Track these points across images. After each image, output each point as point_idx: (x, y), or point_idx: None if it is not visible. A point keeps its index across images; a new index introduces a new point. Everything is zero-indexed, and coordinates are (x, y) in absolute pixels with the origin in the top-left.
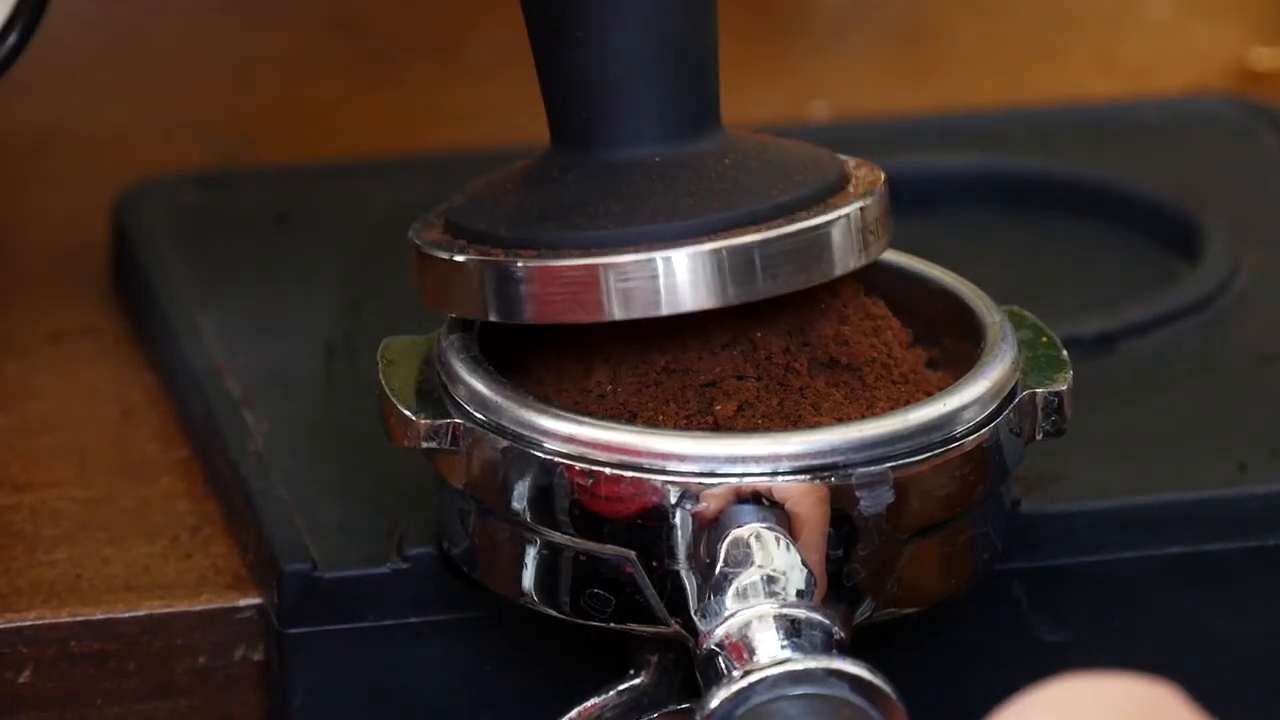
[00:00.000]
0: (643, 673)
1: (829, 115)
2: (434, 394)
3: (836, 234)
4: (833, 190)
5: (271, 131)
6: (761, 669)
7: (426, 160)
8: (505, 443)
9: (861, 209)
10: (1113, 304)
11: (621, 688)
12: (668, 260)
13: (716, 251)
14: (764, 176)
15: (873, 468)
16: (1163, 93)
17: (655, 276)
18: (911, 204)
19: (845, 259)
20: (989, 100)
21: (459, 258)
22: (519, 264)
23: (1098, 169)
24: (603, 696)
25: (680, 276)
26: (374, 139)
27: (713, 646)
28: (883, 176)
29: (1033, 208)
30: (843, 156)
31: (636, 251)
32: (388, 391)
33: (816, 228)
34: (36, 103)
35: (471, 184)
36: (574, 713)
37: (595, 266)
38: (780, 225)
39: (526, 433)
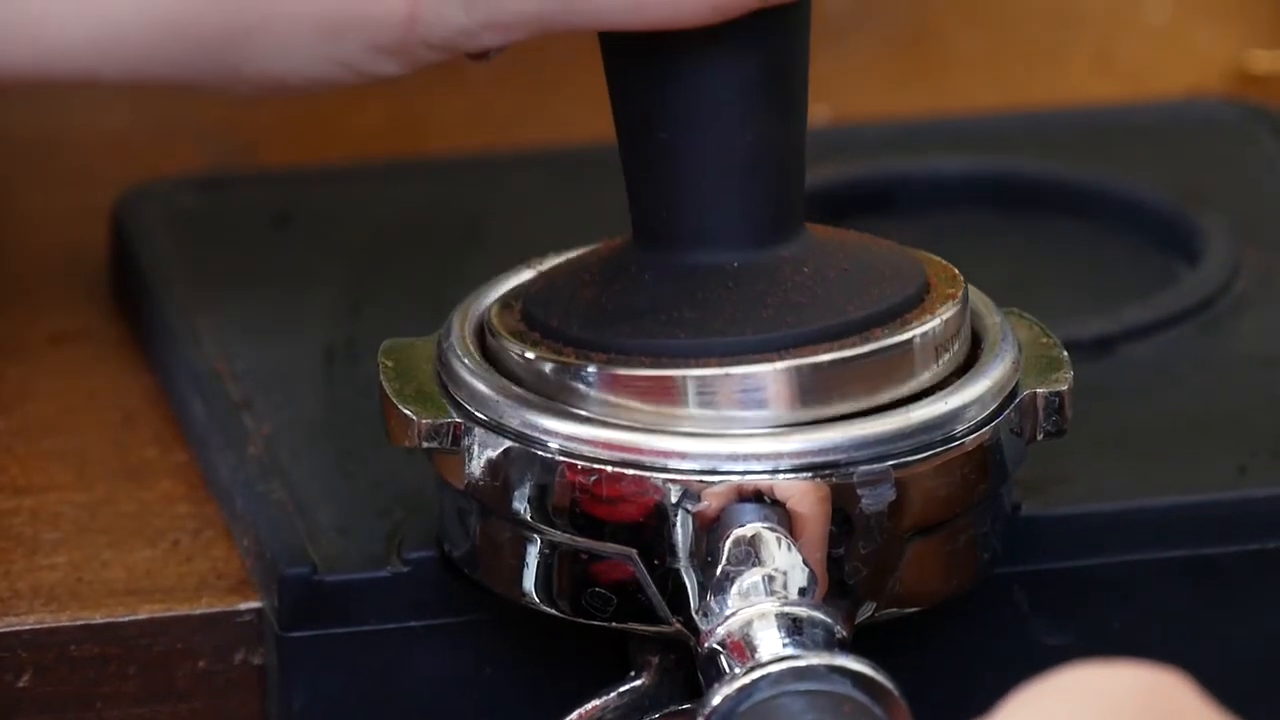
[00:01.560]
0: (644, 674)
1: (829, 118)
2: (434, 394)
3: (911, 353)
4: (910, 304)
5: (272, 134)
6: (764, 665)
7: (427, 164)
8: (506, 442)
9: (938, 326)
10: (1113, 306)
11: (623, 689)
12: (739, 377)
13: (788, 370)
14: (841, 289)
15: (874, 465)
16: (1162, 95)
17: (725, 392)
18: (910, 207)
19: (919, 376)
20: (989, 103)
21: (530, 354)
22: (589, 369)
23: (1097, 171)
24: (604, 698)
25: (751, 393)
26: (375, 143)
27: (714, 645)
28: (962, 284)
29: (1032, 210)
30: (923, 256)
31: (707, 365)
32: (388, 392)
33: (889, 348)
34: (36, 105)
35: (553, 266)
36: (574, 715)
37: (664, 379)
38: (854, 344)
39: (528, 431)
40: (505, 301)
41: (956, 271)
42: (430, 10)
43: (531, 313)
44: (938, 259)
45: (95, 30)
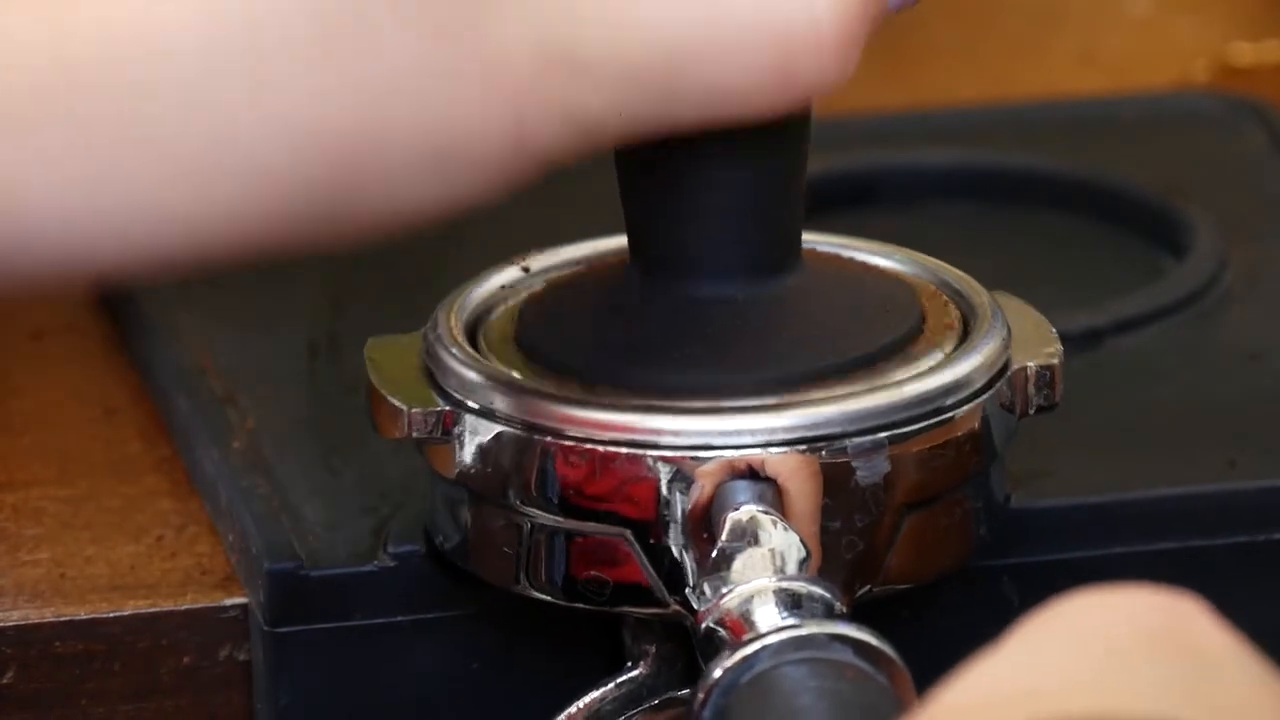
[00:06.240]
0: (641, 664)
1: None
2: (422, 386)
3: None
4: (886, 354)
5: None
6: (763, 636)
7: None
8: (497, 427)
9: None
10: (1099, 300)
11: (620, 680)
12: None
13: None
14: (815, 334)
15: (868, 438)
16: (1146, 88)
17: None
18: (893, 201)
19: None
20: (972, 97)
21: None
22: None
23: (1082, 165)
24: (602, 690)
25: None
26: None
27: (712, 624)
28: (957, 329)
29: (1017, 205)
30: (925, 292)
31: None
32: (376, 383)
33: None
34: None
35: (559, 278)
36: (573, 708)
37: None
38: (808, 395)
39: (518, 415)
40: (501, 299)
41: (952, 308)
42: (536, 128)
43: (524, 326)
44: (943, 304)
45: (195, 214)
